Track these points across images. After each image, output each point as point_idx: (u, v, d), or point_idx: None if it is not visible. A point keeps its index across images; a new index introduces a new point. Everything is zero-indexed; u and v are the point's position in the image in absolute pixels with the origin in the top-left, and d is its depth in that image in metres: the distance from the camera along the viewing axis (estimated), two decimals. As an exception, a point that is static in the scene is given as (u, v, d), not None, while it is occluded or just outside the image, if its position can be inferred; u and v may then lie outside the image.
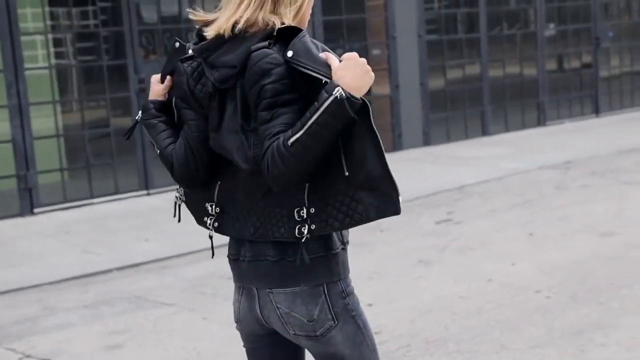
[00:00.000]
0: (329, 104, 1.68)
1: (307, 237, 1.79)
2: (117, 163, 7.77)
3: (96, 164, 7.74)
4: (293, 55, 1.74)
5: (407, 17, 9.52)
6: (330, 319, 1.87)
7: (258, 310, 1.93)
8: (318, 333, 1.88)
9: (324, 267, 1.86)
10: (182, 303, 4.66)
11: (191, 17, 1.92)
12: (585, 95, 11.29)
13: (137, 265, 5.58)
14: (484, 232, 5.73)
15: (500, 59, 10.51)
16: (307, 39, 1.78)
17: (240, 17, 1.81)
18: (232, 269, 2.00)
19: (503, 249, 5.25)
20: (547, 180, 7.35)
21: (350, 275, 1.95)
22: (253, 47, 1.77)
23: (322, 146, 1.71)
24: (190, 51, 1.89)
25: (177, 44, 1.97)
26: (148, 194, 7.81)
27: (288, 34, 1.79)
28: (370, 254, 5.41)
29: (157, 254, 5.76)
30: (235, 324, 2.06)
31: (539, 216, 6.05)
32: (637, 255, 4.90)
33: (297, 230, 1.79)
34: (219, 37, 1.83)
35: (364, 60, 1.74)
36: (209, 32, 1.85)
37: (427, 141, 9.78)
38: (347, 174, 1.75)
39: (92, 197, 7.57)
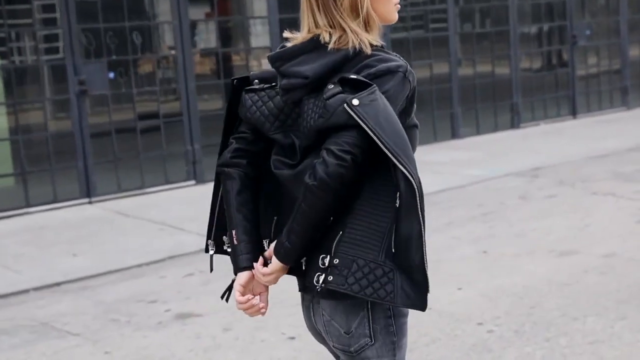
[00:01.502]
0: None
1: (321, 287, 1.74)
2: (56, 169, 7.28)
3: (33, 170, 7.25)
4: (359, 105, 1.70)
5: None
6: (367, 335, 1.80)
7: (312, 317, 1.91)
8: (352, 349, 1.82)
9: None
10: (88, 333, 4.20)
11: (285, 35, 1.90)
12: (561, 95, 10.84)
13: (57, 284, 5.12)
14: (434, 250, 5.23)
15: (471, 58, 10.04)
16: (377, 95, 1.72)
17: (310, 26, 1.82)
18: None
19: (451, 270, 4.79)
20: (512, 189, 6.90)
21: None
22: (327, 95, 1.73)
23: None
24: (256, 81, 1.91)
25: (234, 82, 1.96)
26: (90, 203, 7.33)
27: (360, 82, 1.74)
28: (306, 275, 4.95)
29: (81, 272, 5.30)
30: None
31: (496, 231, 5.59)
32: (594, 280, 4.45)
33: (315, 277, 1.75)
34: (295, 48, 1.82)
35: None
36: (289, 43, 1.86)
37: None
38: (393, 250, 1.71)
39: (29, 205, 7.08)
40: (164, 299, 4.66)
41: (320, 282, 1.73)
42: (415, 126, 1.86)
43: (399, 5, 1.89)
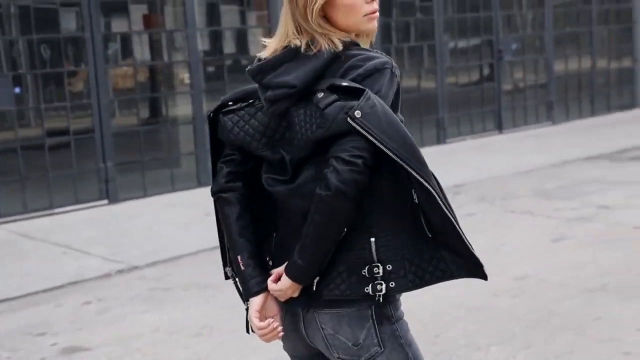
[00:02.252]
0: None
1: (380, 296, 1.75)
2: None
3: None
4: (362, 117, 1.67)
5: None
6: (376, 344, 1.79)
7: (303, 330, 1.87)
8: (363, 359, 1.80)
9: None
10: (-37, 372, 3.86)
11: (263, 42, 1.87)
12: (487, 110, 10.81)
13: (-57, 316, 4.75)
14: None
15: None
16: (374, 100, 1.69)
17: (281, 35, 1.79)
18: None
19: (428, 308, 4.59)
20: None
21: (401, 302, 1.87)
22: (322, 104, 1.71)
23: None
24: (230, 103, 1.89)
25: (210, 115, 1.92)
26: (-8, 225, 6.94)
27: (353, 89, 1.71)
28: (207, 302, 4.69)
29: (-31, 302, 4.94)
30: (282, 343, 1.99)
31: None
32: (505, 304, 4.30)
33: (371, 288, 1.74)
34: (275, 59, 1.78)
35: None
36: (264, 54, 1.82)
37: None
38: (430, 235, 1.75)
39: None
40: (54, 331, 4.35)
41: (383, 290, 1.74)
42: (402, 121, 1.80)
43: (374, 15, 1.81)
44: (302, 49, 1.76)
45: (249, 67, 1.84)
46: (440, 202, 1.70)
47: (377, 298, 1.75)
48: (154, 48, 8.39)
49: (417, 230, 1.75)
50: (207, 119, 1.94)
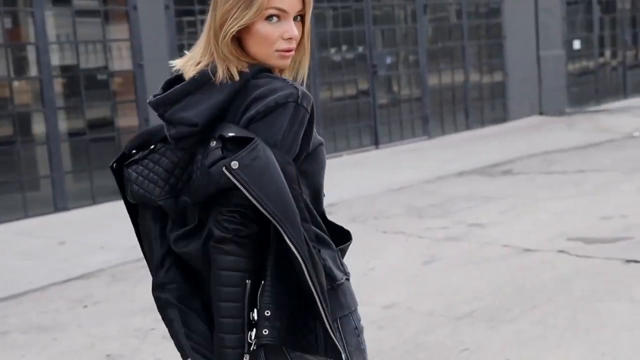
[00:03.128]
0: None
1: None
2: None
3: None
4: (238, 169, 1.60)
5: (157, 43, 8.42)
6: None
7: None
8: None
9: (333, 300, 1.73)
10: None
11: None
12: (363, 125, 10.67)
13: None
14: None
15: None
16: (258, 151, 1.60)
17: (197, 49, 1.73)
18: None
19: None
20: (303, 228, 6.49)
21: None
22: (208, 162, 1.63)
23: None
24: (134, 152, 1.79)
25: (114, 165, 1.82)
26: None
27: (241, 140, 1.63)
28: (45, 348, 4.19)
29: None
30: None
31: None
32: (371, 337, 3.97)
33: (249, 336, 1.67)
34: (177, 91, 1.68)
35: None
36: (176, 66, 1.75)
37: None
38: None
39: None
40: None
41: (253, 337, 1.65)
42: (321, 144, 1.79)
43: (287, 54, 1.71)
44: (202, 77, 1.68)
45: (149, 99, 1.74)
46: (307, 274, 1.62)
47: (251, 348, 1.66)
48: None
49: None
50: (110, 169, 1.82)
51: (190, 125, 1.65)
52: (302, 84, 1.77)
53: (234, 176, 1.58)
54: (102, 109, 8.39)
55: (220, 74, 1.66)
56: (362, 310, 4.20)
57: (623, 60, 15.07)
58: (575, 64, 14.07)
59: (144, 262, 5.50)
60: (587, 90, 14.20)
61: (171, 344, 3.91)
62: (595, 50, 14.50)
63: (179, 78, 1.73)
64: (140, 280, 5.37)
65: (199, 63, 1.70)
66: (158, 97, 1.71)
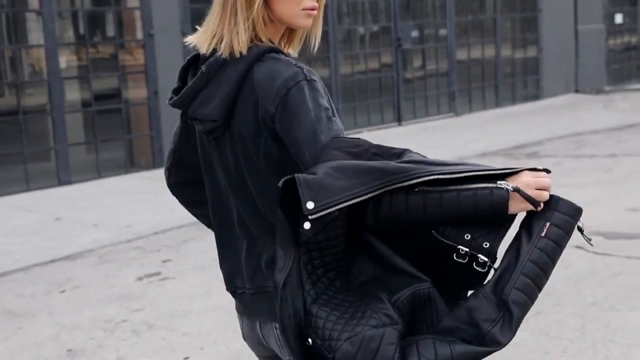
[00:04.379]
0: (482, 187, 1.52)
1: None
2: None
3: None
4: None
5: (168, 11, 8.07)
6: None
7: (259, 329, 1.76)
8: None
9: None
10: None
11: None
12: (385, 101, 10.22)
13: None
14: (184, 299, 4.36)
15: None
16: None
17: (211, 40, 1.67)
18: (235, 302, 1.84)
19: (196, 329, 3.89)
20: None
21: None
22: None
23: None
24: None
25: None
26: None
27: None
28: (9, 337, 3.91)
29: None
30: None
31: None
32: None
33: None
34: (190, 89, 1.67)
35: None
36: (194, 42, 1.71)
37: (196, 156, 8.37)
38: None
39: None
40: None
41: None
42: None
43: (312, 12, 1.69)
44: (210, 68, 1.65)
45: (169, 99, 1.73)
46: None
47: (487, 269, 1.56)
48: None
49: None
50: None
51: (212, 120, 1.66)
52: (314, 52, 1.77)
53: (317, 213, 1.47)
54: (110, 79, 8.10)
55: (224, 47, 1.64)
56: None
57: (668, 37, 14.35)
58: (617, 39, 13.39)
59: (134, 243, 5.12)
60: (629, 67, 13.53)
61: (138, 340, 3.55)
62: (639, 24, 13.78)
63: (195, 59, 1.71)
64: (127, 264, 5.09)
65: (214, 35, 1.67)
66: (176, 98, 1.71)
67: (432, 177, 1.49)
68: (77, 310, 4.25)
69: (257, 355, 1.87)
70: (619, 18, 13.29)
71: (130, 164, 8.10)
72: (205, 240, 5.57)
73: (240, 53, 1.64)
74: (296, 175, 1.49)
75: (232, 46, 1.64)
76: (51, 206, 6.76)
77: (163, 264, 5.05)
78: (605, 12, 12.84)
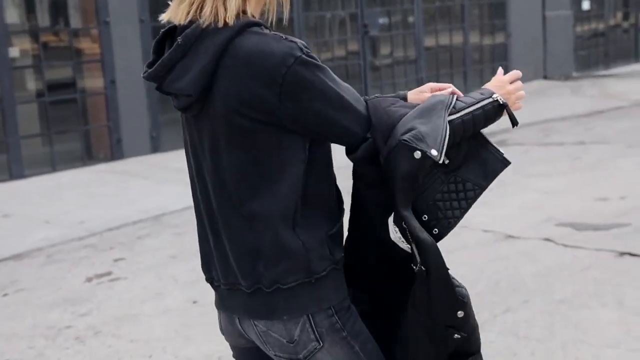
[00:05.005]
0: (486, 104, 1.69)
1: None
2: None
3: None
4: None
5: (124, -4, 7.78)
6: (313, 340, 1.61)
7: (238, 323, 1.68)
8: (301, 356, 1.62)
9: (308, 295, 1.59)
10: None
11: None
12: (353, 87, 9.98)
13: None
14: (134, 301, 4.13)
15: (248, 48, 8.97)
16: None
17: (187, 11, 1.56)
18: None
19: (145, 334, 3.66)
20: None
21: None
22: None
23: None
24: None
25: None
26: None
27: None
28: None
29: None
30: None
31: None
32: None
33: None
34: (165, 61, 1.56)
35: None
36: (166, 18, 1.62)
37: (156, 147, 8.10)
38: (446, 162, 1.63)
39: None
40: None
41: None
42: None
43: None
44: (186, 40, 1.55)
45: (144, 72, 1.63)
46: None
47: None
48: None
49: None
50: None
51: (186, 95, 1.56)
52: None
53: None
54: (64, 68, 7.79)
55: (207, 14, 1.53)
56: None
57: (635, 22, 14.28)
58: (584, 26, 13.29)
59: (86, 241, 4.78)
60: (596, 53, 13.45)
61: (82, 348, 3.26)
62: (606, 10, 13.70)
63: (171, 31, 1.61)
64: (77, 263, 4.84)
65: (192, 3, 1.55)
66: (150, 71, 1.60)
67: (467, 109, 1.66)
68: (19, 316, 3.99)
69: (235, 347, 1.78)
70: (586, 4, 13.19)
71: (88, 157, 7.81)
72: (162, 236, 5.33)
73: (225, 23, 1.52)
74: (401, 139, 1.53)
75: (217, 14, 1.52)
76: (0, 202, 6.47)
77: (115, 263, 4.80)
78: (573, -2, 12.75)
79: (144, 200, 6.22)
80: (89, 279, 4.52)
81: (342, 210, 1.67)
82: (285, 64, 1.49)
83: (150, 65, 1.61)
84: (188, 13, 1.56)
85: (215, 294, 1.72)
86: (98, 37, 7.72)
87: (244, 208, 1.57)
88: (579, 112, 9.50)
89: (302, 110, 1.53)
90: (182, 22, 1.57)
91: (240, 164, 1.56)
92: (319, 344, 1.61)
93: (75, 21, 7.85)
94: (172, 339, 3.57)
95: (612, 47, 13.79)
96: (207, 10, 1.53)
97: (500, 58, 11.76)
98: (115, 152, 7.81)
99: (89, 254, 5.03)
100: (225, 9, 1.53)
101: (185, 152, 1.70)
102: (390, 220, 1.63)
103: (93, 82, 7.85)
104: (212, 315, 3.89)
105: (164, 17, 1.63)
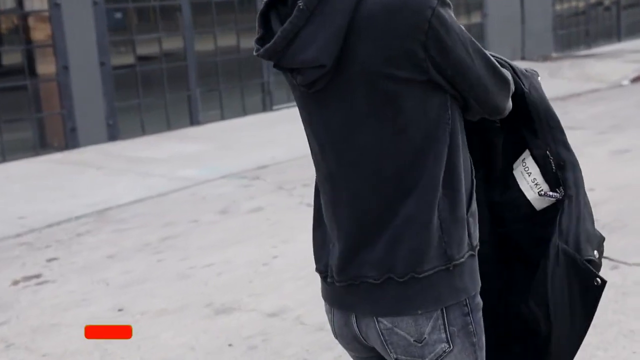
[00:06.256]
0: None
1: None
2: None
3: None
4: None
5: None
6: (444, 341, 1.45)
7: (354, 324, 1.51)
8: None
9: (446, 284, 1.44)
10: None
11: None
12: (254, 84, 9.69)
13: None
14: (57, 309, 3.85)
15: (210, 31, 8.66)
16: None
17: None
18: (322, 288, 1.57)
19: (60, 347, 3.39)
20: (219, 197, 5.66)
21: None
22: None
23: None
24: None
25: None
26: None
27: None
28: None
29: None
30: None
31: (139, 275, 4.17)
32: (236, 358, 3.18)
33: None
34: (286, 31, 1.37)
35: None
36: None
37: (113, 136, 7.80)
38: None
39: None
40: None
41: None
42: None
43: None
44: (309, 3, 1.35)
45: (255, 50, 1.42)
46: None
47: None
48: None
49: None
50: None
51: (317, 67, 1.37)
52: None
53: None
54: (13, 54, 7.47)
55: None
56: (241, 319, 3.38)
57: (617, 0, 14.00)
58: (564, 4, 13.01)
59: (23, 238, 4.45)
60: (576, 32, 13.18)
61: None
62: (587, -12, 13.44)
63: (272, 3, 1.43)
64: (8, 264, 4.58)
65: None
66: (268, 46, 1.39)
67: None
68: None
69: (353, 357, 1.61)
70: (567, -19, 12.92)
71: (41, 146, 7.51)
72: (102, 234, 5.06)
73: None
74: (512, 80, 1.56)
75: None
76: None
77: (47, 263, 4.52)
78: (553, -25, 12.45)
79: (91, 193, 5.94)
80: (16, 282, 4.24)
81: (474, 182, 1.50)
82: (429, 5, 1.35)
83: (260, 41, 1.42)
84: None
85: (324, 289, 1.55)
86: (49, 20, 7.40)
87: (395, 181, 1.42)
88: (556, 95, 9.23)
89: (445, 55, 1.40)
90: None
91: (382, 138, 1.40)
92: (449, 346, 1.47)
93: (25, 3, 7.51)
94: (89, 354, 3.30)
95: (593, 26, 13.54)
96: None
97: (477, 38, 11.32)
98: (70, 141, 7.52)
99: (22, 253, 4.76)
100: None
101: (306, 135, 1.52)
102: (520, 168, 1.57)
103: (45, 67, 7.54)
104: (137, 325, 3.66)
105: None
